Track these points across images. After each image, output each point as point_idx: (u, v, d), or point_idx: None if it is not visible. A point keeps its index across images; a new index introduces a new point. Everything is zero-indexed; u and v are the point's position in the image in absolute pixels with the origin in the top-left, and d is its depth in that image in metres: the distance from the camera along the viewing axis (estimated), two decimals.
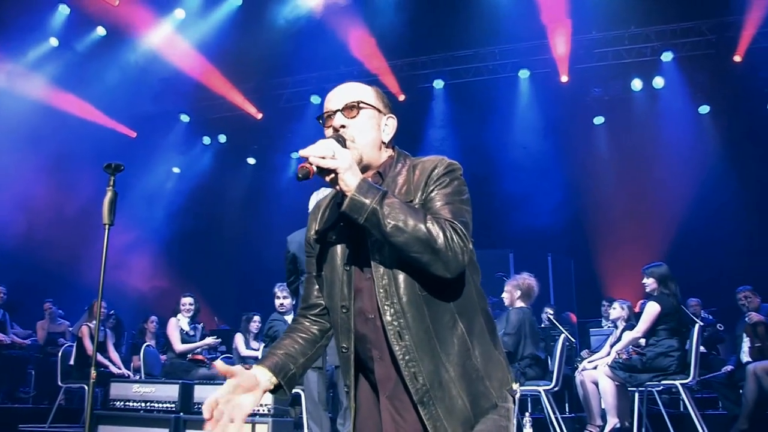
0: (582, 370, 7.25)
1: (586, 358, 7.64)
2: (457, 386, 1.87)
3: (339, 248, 2.03)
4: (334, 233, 2.06)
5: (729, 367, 7.61)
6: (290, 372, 2.04)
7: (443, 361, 1.88)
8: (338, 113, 2.04)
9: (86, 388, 6.61)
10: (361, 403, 2.04)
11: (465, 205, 1.96)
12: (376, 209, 1.80)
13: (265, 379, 1.98)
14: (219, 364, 1.92)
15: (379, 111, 2.10)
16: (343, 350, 2.00)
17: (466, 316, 1.94)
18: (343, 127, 2.03)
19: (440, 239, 1.79)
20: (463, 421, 1.86)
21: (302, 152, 1.84)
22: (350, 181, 1.83)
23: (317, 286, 2.16)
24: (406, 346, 1.86)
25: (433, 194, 1.95)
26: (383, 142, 2.10)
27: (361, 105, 2.06)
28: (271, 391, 2.01)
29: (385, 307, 1.88)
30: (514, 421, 1.99)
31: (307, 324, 2.18)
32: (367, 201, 1.81)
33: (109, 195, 3.88)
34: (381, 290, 1.90)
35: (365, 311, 1.95)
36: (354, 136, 2.01)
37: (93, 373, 3.53)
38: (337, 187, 1.86)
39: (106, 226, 3.88)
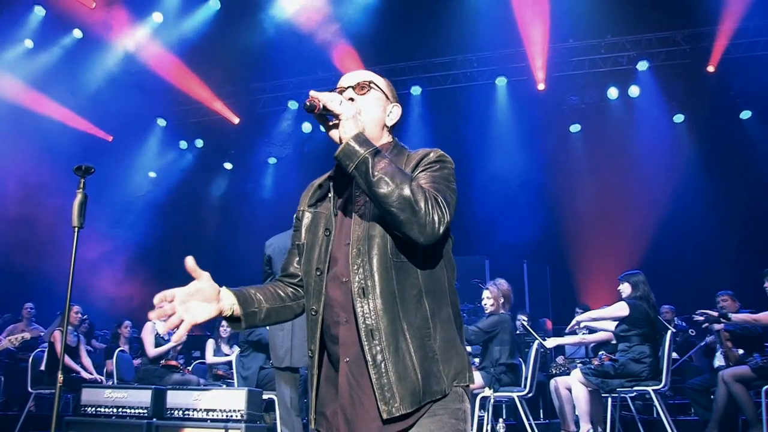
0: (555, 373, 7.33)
1: (561, 363, 7.68)
2: (412, 358, 1.88)
3: (323, 218, 2.13)
4: (321, 205, 2.18)
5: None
6: (252, 308, 2.10)
7: (404, 329, 1.90)
8: (349, 89, 2.17)
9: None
10: (324, 374, 2.06)
11: (451, 191, 2.02)
12: (367, 158, 1.88)
13: (227, 301, 2.04)
14: (189, 260, 1.94)
15: (387, 97, 2.24)
16: (312, 313, 2.05)
17: (433, 299, 1.97)
18: (351, 100, 2.15)
19: (421, 202, 1.85)
20: (412, 392, 1.85)
21: (314, 93, 1.95)
22: (350, 129, 1.94)
23: (298, 258, 2.23)
24: (368, 304, 1.90)
25: (420, 174, 2.03)
26: (386, 125, 2.23)
27: (372, 86, 2.21)
28: (227, 318, 2.05)
29: (356, 265, 1.94)
30: (470, 423, 2.00)
31: (282, 285, 2.27)
32: (361, 150, 1.90)
33: (78, 197, 3.85)
34: (354, 249, 1.96)
35: (340, 275, 2.00)
36: (360, 110, 2.11)
37: (60, 377, 3.49)
38: (334, 132, 1.99)
39: (76, 229, 3.84)
